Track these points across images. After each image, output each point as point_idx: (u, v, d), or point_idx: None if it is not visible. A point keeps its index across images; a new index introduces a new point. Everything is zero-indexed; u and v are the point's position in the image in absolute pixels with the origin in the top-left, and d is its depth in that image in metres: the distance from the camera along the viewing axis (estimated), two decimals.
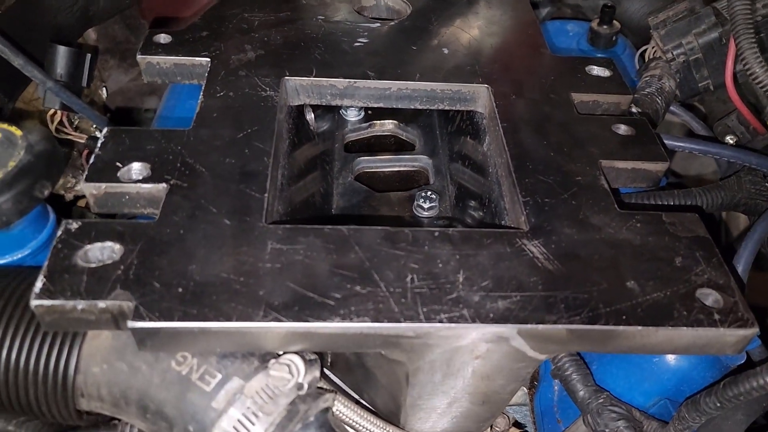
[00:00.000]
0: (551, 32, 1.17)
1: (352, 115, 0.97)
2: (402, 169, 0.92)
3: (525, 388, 0.81)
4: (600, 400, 0.70)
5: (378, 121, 0.96)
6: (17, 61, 0.81)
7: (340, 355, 0.64)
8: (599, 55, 1.06)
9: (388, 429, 0.58)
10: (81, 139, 1.08)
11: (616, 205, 0.62)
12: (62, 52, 0.91)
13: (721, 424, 0.61)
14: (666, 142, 0.82)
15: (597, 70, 0.80)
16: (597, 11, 1.11)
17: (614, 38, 1.08)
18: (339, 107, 0.96)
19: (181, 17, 1.16)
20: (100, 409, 0.54)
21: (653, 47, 1.00)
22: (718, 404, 0.59)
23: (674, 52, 0.95)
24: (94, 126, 1.17)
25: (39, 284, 0.50)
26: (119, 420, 0.57)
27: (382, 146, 0.96)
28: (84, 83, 0.95)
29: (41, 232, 0.63)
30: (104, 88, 1.36)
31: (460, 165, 0.86)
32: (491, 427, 0.70)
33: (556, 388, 0.81)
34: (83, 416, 0.56)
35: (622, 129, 0.71)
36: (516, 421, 0.78)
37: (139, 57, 0.76)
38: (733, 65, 0.86)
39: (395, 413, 0.62)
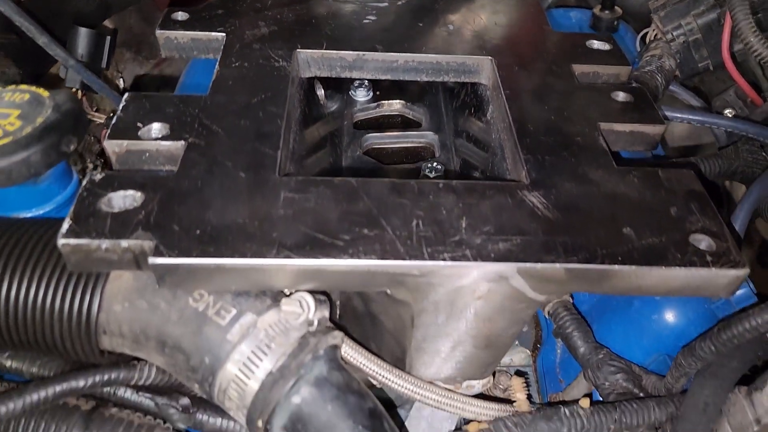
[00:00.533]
0: (555, 19, 1.20)
1: (361, 95, 1.00)
2: (409, 145, 0.95)
3: (528, 351, 0.83)
4: (600, 356, 0.72)
5: (386, 101, 0.99)
6: (42, 39, 0.85)
7: (348, 306, 0.66)
8: None
9: (394, 371, 0.60)
10: (100, 119, 1.12)
11: (614, 163, 0.65)
12: (83, 33, 0.95)
13: (717, 371, 0.63)
14: (666, 113, 0.85)
15: (597, 44, 0.83)
16: None
17: (616, 23, 1.11)
18: (348, 88, 1.00)
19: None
20: (120, 347, 0.57)
21: (654, 30, 1.03)
22: (713, 348, 0.61)
23: (674, 33, 0.98)
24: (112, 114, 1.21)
25: (66, 225, 0.53)
26: (138, 360, 0.60)
27: (389, 125, 0.99)
28: (103, 64, 0.99)
29: (65, 188, 0.67)
30: (121, 79, 1.40)
31: (464, 140, 0.89)
32: (495, 381, 0.72)
33: (558, 351, 0.84)
34: (104, 355, 0.58)
35: (621, 96, 0.74)
36: (518, 370, 0.80)
37: (158, 32, 0.80)
38: (729, 39, 0.89)
39: (401, 360, 0.65)
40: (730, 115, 0.92)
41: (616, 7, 1.11)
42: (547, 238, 0.55)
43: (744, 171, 0.83)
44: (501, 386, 0.75)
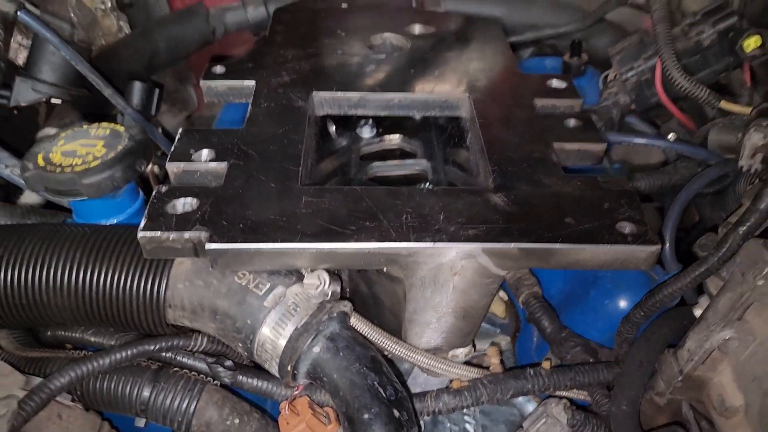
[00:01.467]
0: (532, 67, 1.39)
1: (366, 132, 1.18)
2: (407, 172, 1.12)
3: (509, 338, 0.98)
4: (563, 334, 0.87)
5: (387, 136, 1.18)
6: (107, 92, 1.04)
7: (356, 291, 0.83)
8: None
9: (393, 339, 0.76)
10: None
11: (562, 171, 0.82)
12: (138, 86, 1.15)
13: (650, 337, 0.78)
14: (616, 137, 1.02)
15: (556, 83, 1.01)
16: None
17: (583, 68, 1.29)
18: (355, 127, 1.18)
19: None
20: (181, 319, 0.74)
21: (613, 71, 1.21)
22: (642, 313, 0.77)
23: (628, 74, 1.16)
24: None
25: (143, 222, 0.70)
26: (193, 331, 0.77)
27: (390, 156, 1.16)
28: (153, 112, 1.18)
29: (134, 202, 0.85)
30: (160, 128, 1.60)
31: (451, 165, 1.07)
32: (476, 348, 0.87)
33: (534, 338, 0.99)
34: (168, 327, 0.75)
35: (572, 122, 0.92)
36: (492, 342, 0.95)
37: (201, 82, 0.99)
38: (662, 77, 1.07)
39: (398, 332, 0.81)
40: (672, 139, 1.09)
41: (583, 54, 1.30)
42: (506, 225, 0.72)
43: (681, 184, 1.00)
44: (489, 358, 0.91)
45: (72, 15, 1.27)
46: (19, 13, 0.95)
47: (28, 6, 0.97)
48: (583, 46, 1.31)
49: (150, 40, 1.33)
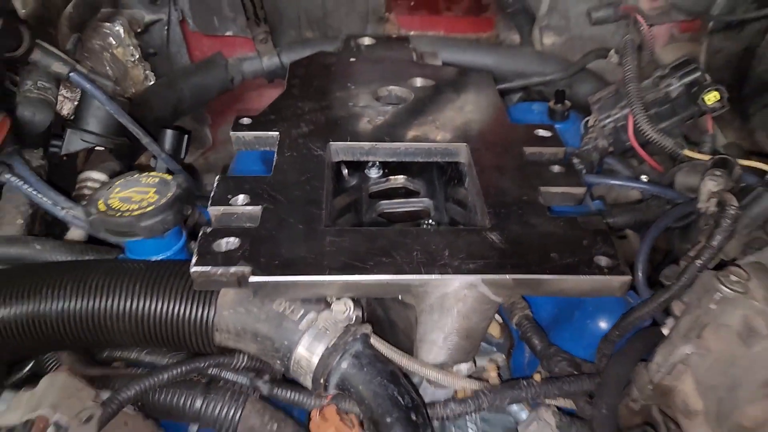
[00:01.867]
0: (521, 111, 1.54)
1: (374, 173, 1.32)
2: (411, 209, 1.26)
3: (504, 355, 1.11)
4: (551, 350, 1.00)
5: (393, 177, 1.31)
6: (145, 140, 1.18)
7: (373, 315, 0.96)
8: (557, 127, 1.42)
9: (406, 355, 0.89)
10: None
11: (548, 213, 0.96)
12: (169, 133, 1.28)
13: (627, 352, 0.92)
14: (595, 179, 1.16)
15: (542, 132, 1.15)
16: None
17: (566, 113, 1.44)
18: (364, 168, 1.32)
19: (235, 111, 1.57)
20: (226, 341, 0.86)
21: (593, 118, 1.36)
22: (618, 332, 0.90)
23: (605, 121, 1.31)
24: None
25: (194, 259, 0.83)
26: (236, 351, 0.89)
27: (396, 194, 1.30)
28: (182, 155, 1.32)
29: (179, 241, 0.98)
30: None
31: (451, 203, 1.20)
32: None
33: (526, 354, 1.12)
34: (215, 347, 0.88)
35: (556, 168, 1.06)
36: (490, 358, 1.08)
37: (231, 133, 1.12)
38: (633, 126, 1.22)
39: (410, 350, 0.93)
40: (645, 180, 1.23)
41: (566, 101, 1.45)
42: (501, 260, 0.86)
43: (652, 219, 1.13)
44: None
45: (107, 68, 1.41)
46: (71, 74, 1.08)
47: (78, 67, 1.10)
48: (566, 94, 1.46)
49: (176, 89, 1.47)
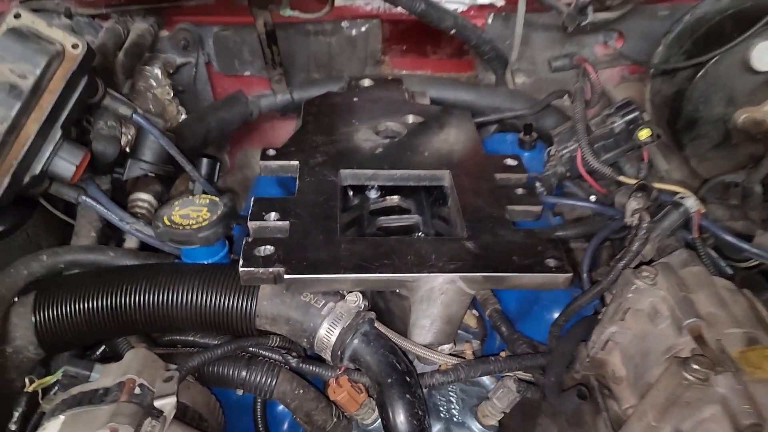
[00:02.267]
0: (496, 141, 1.80)
1: (373, 194, 1.57)
2: (404, 224, 1.52)
3: (479, 341, 1.37)
4: (515, 336, 1.25)
5: (388, 197, 1.57)
6: (188, 167, 1.43)
7: (376, 305, 1.21)
8: (525, 155, 1.69)
9: (401, 337, 1.14)
10: None
11: (512, 226, 1.22)
12: (205, 161, 1.53)
13: (570, 335, 1.17)
14: (552, 200, 1.43)
15: (509, 161, 1.41)
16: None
17: (533, 143, 1.70)
18: (365, 190, 1.57)
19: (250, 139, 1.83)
20: (264, 325, 1.11)
21: (554, 148, 1.62)
22: (564, 318, 1.16)
23: (563, 151, 1.57)
24: None
25: (241, 262, 1.08)
26: (270, 333, 1.14)
27: (392, 212, 1.55)
28: (216, 179, 1.57)
29: (224, 248, 1.23)
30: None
31: (437, 219, 1.46)
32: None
33: (497, 341, 1.37)
34: (255, 330, 1.13)
35: (519, 191, 1.32)
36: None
37: (260, 162, 1.37)
38: (581, 155, 1.48)
39: (404, 333, 1.19)
40: (593, 199, 1.49)
41: (533, 133, 1.72)
42: (474, 262, 1.11)
43: (595, 232, 1.39)
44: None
45: (150, 106, 1.66)
46: (134, 115, 1.33)
47: (138, 110, 1.36)
48: (533, 126, 1.73)
49: (205, 122, 1.72)
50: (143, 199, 1.48)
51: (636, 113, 1.48)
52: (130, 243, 1.40)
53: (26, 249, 1.29)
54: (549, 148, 1.65)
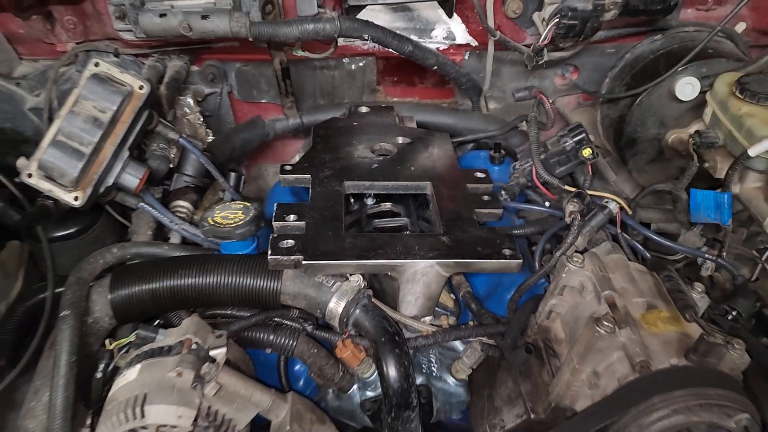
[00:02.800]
0: (472, 156, 2.12)
1: (370, 201, 1.88)
2: (395, 224, 1.84)
3: (455, 317, 1.68)
4: (483, 311, 1.57)
5: (382, 203, 1.88)
6: (221, 179, 1.75)
7: (372, 285, 1.53)
8: (495, 168, 2.02)
9: (392, 310, 1.46)
10: None
11: (479, 225, 1.54)
12: (233, 175, 1.85)
13: (524, 308, 1.49)
14: (513, 205, 1.76)
15: (478, 174, 1.74)
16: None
17: (502, 159, 2.03)
18: (363, 198, 1.89)
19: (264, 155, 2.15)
20: (286, 300, 1.42)
21: (518, 163, 1.95)
22: (518, 295, 1.48)
23: (525, 165, 1.89)
24: None
25: (269, 252, 1.40)
26: (291, 307, 1.46)
27: (384, 215, 1.87)
28: (240, 189, 1.89)
29: (253, 243, 1.55)
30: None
31: (421, 221, 1.78)
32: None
33: (470, 318, 1.69)
34: (279, 305, 1.45)
35: (485, 197, 1.64)
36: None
37: (280, 176, 1.69)
38: (535, 170, 1.81)
39: (395, 307, 1.50)
40: (547, 205, 1.81)
41: (502, 150, 2.04)
42: (448, 252, 1.43)
43: (545, 230, 1.71)
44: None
45: (186, 130, 1.99)
46: (180, 139, 1.66)
47: (183, 135, 1.68)
48: (502, 145, 2.05)
49: (230, 142, 2.05)
50: (182, 205, 1.79)
51: (583, 135, 1.80)
52: (174, 239, 1.72)
53: (95, 244, 1.60)
54: (514, 163, 1.97)
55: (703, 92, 1.78)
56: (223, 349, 1.26)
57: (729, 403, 1.08)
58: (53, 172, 1.39)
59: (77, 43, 1.96)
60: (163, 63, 2.01)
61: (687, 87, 1.82)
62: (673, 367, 1.15)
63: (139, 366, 1.27)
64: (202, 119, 2.08)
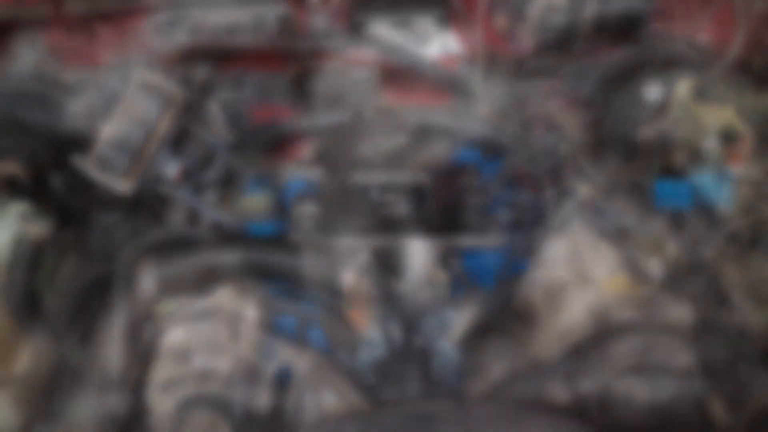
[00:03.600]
0: (466, 153, 2.36)
1: (374, 195, 2.12)
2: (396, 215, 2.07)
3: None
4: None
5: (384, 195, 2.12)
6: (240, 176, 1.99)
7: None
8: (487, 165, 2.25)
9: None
10: None
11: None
12: None
13: (510, 281, 1.72)
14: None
15: (471, 170, 1.98)
16: None
17: (494, 156, 2.26)
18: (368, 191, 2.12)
19: None
20: None
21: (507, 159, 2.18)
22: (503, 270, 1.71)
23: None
24: None
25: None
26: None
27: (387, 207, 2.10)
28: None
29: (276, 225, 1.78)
30: None
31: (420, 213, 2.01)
32: None
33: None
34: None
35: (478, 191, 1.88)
36: None
37: (294, 171, 1.93)
38: None
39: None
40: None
41: (494, 148, 2.27)
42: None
43: None
44: None
45: (212, 130, 2.22)
46: (209, 139, 1.90)
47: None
48: (494, 143, 2.29)
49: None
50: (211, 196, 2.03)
51: (563, 134, 2.04)
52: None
53: (140, 228, 1.84)
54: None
55: (668, 95, 2.03)
56: (255, 311, 1.50)
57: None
58: (107, 165, 1.63)
59: (117, 55, 2.20)
60: (193, 72, 2.25)
61: (654, 91, 2.06)
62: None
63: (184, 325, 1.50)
64: (224, 121, 2.32)
